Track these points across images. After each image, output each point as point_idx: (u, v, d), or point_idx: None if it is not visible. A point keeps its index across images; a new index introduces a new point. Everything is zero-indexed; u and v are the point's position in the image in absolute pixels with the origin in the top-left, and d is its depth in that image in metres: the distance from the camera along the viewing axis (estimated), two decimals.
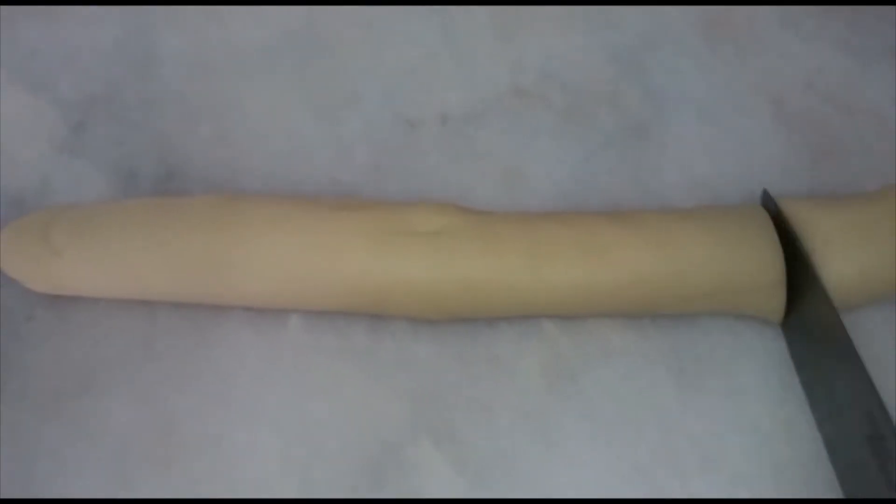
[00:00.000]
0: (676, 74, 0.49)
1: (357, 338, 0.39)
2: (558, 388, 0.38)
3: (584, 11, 0.51)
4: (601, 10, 0.51)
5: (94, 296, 0.40)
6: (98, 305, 0.40)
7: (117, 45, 0.49)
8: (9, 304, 0.40)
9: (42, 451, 0.37)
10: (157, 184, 0.44)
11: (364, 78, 0.48)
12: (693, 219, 0.38)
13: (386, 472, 0.36)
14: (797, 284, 0.37)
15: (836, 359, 0.35)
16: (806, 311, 0.37)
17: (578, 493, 0.36)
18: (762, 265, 0.37)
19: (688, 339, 0.39)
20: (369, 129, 0.46)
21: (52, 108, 0.47)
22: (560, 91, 0.48)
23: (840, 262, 0.37)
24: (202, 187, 0.44)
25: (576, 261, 0.37)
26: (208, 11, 0.51)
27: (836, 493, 0.35)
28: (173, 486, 0.36)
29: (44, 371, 0.39)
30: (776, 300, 0.38)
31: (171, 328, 0.40)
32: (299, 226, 0.38)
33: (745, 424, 0.37)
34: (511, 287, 0.37)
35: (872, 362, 0.34)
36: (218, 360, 0.39)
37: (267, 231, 0.38)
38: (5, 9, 0.50)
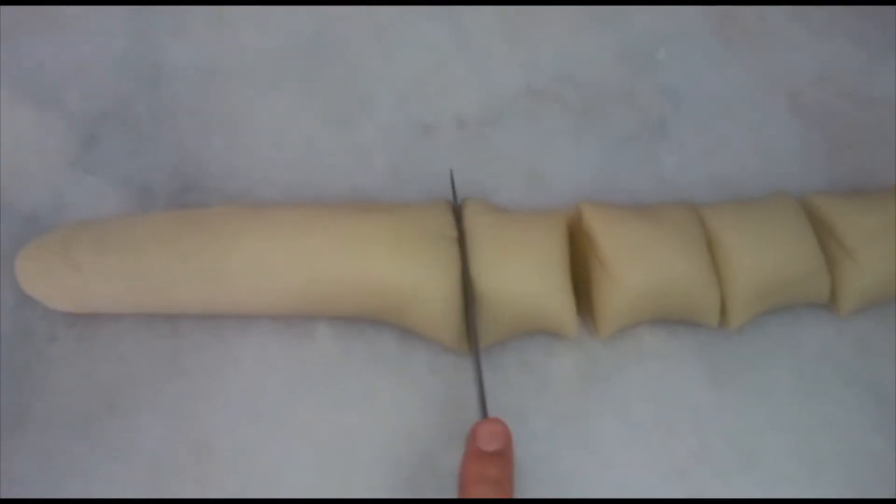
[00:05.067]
0: (690, 71, 0.48)
1: (387, 346, 0.39)
2: (592, 390, 0.38)
3: (594, 11, 0.51)
4: (611, 9, 0.51)
5: (117, 311, 0.39)
6: (120, 323, 0.40)
7: (125, 58, 0.48)
8: (31, 325, 0.39)
9: (72, 471, 0.36)
10: (174, 197, 0.43)
11: (377, 84, 0.48)
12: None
13: (423, 482, 0.36)
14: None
15: None
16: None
17: (618, 496, 0.36)
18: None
19: (719, 338, 0.39)
20: (386, 135, 0.46)
21: (62, 123, 0.46)
22: (575, 91, 0.47)
23: (880, 258, 0.37)
24: (220, 199, 0.43)
25: None
26: (215, 20, 0.50)
27: (880, 482, 0.35)
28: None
29: (70, 391, 0.38)
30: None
31: (197, 343, 0.39)
32: (321, 231, 0.38)
33: (782, 422, 0.37)
34: None
35: None
36: (246, 373, 0.38)
37: (289, 237, 0.38)
38: (8, 23, 0.49)
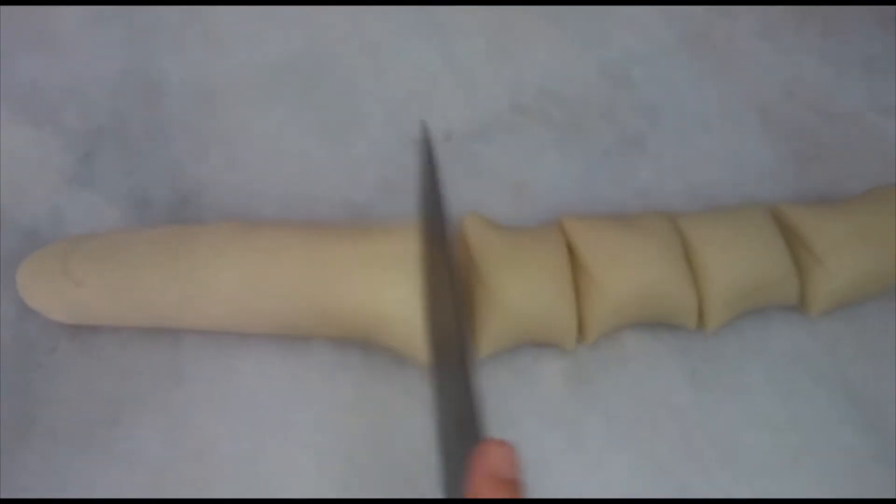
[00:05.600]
0: (666, 89, 0.51)
1: (382, 354, 0.40)
2: (579, 394, 0.40)
3: (576, 32, 0.53)
4: (591, 29, 0.53)
5: (117, 324, 0.40)
6: (121, 334, 0.41)
7: (120, 76, 0.50)
8: (31, 337, 0.40)
9: (76, 482, 0.37)
10: (172, 211, 0.45)
11: (368, 100, 0.49)
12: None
13: (421, 483, 0.37)
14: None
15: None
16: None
17: (605, 494, 0.37)
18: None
19: (698, 340, 0.41)
20: (377, 149, 0.47)
21: (59, 140, 0.47)
22: (558, 107, 0.50)
23: (846, 262, 0.39)
24: (217, 213, 0.45)
25: None
26: (209, 38, 0.51)
27: (853, 474, 0.37)
28: None
29: (72, 403, 0.39)
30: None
31: (197, 354, 0.40)
32: (298, 256, 0.38)
33: (758, 419, 0.39)
34: None
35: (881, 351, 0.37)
36: (246, 382, 0.40)
37: (270, 259, 0.38)
38: (5, 42, 0.50)
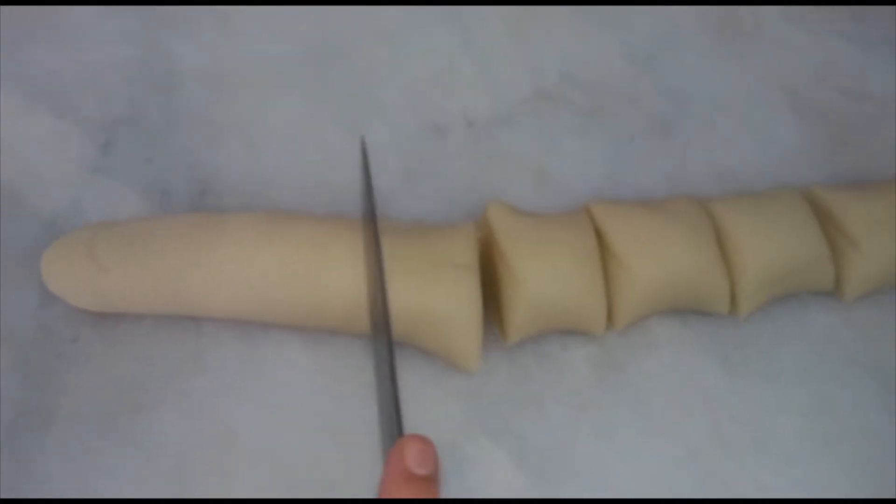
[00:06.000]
0: (691, 72, 0.50)
1: (405, 344, 0.40)
2: (607, 380, 0.39)
3: (598, 15, 0.52)
4: (612, 13, 0.52)
5: (141, 311, 0.40)
6: (143, 323, 0.40)
7: (137, 65, 0.49)
8: (53, 325, 0.40)
9: (99, 470, 0.37)
10: (192, 200, 0.44)
11: (387, 87, 0.49)
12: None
13: (447, 470, 0.36)
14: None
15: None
16: None
17: (635, 481, 0.37)
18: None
19: (729, 326, 0.40)
20: (397, 136, 0.47)
21: (78, 129, 0.47)
22: (581, 91, 0.49)
23: (882, 246, 0.38)
24: (237, 202, 0.44)
25: None
26: (224, 27, 0.51)
27: (886, 461, 0.37)
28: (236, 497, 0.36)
29: (94, 391, 0.38)
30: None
31: (219, 343, 0.40)
32: (341, 251, 0.38)
33: (791, 405, 0.38)
34: None
35: None
36: (269, 370, 0.39)
37: (307, 254, 0.38)
38: (22, 33, 0.50)
